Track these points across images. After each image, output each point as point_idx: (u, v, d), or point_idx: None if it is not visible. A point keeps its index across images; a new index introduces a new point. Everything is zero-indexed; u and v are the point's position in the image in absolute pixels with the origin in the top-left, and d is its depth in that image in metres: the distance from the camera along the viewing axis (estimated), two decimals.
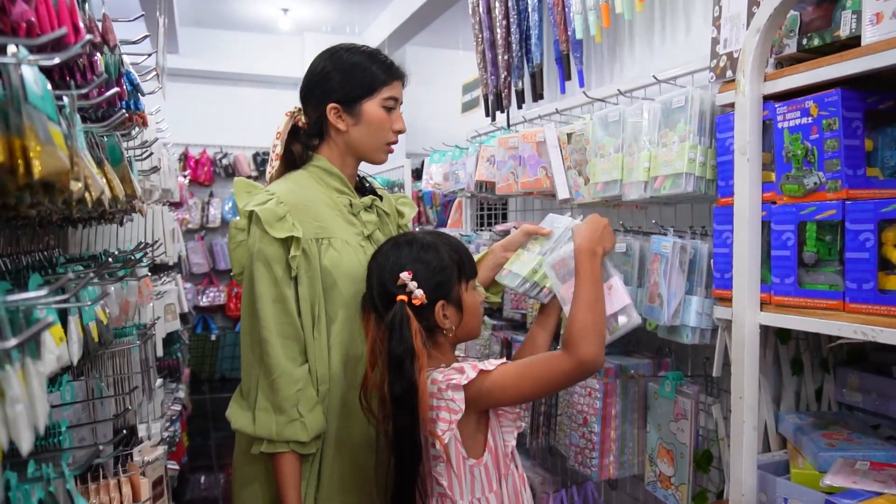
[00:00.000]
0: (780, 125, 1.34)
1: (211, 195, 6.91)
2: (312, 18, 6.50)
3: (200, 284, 6.77)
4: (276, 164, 1.68)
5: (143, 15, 1.33)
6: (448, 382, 1.31)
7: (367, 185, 1.76)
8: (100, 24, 1.16)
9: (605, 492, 2.14)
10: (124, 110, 1.18)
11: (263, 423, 1.46)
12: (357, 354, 1.55)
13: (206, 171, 6.83)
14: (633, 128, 1.69)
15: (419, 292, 1.35)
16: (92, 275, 0.87)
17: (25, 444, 0.59)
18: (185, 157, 6.75)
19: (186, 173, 6.41)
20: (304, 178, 1.62)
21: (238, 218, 1.55)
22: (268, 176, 1.72)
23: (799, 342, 1.62)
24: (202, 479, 4.46)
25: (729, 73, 1.47)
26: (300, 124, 1.67)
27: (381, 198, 1.72)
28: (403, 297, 1.35)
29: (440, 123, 5.49)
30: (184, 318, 3.48)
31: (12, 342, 0.57)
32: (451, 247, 1.43)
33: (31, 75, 0.61)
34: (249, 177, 6.84)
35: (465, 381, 1.30)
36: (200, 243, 6.72)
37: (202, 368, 6.64)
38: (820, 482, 1.28)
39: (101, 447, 0.81)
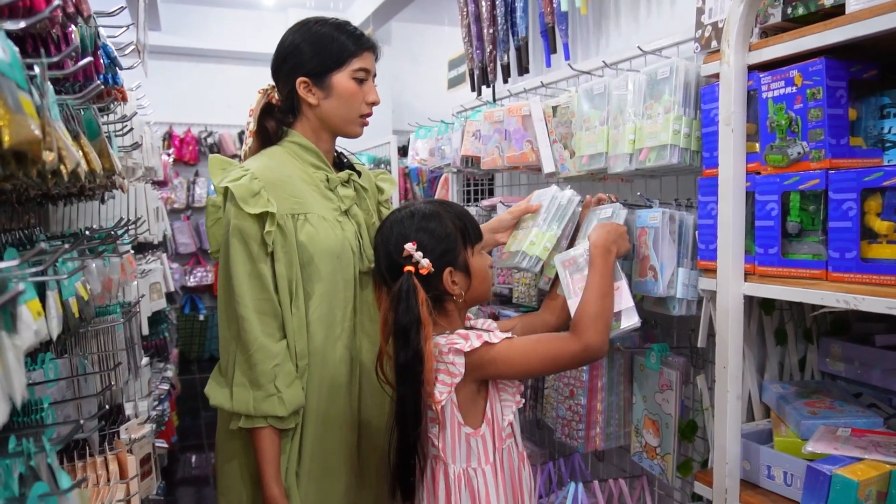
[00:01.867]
0: (764, 95, 1.34)
1: (196, 174, 6.85)
2: None
3: (187, 265, 6.74)
4: (251, 141, 1.67)
5: None
6: (451, 346, 1.34)
7: (345, 160, 1.75)
8: None
9: (591, 463, 2.16)
10: (101, 83, 1.16)
11: (241, 398, 1.47)
12: (336, 330, 1.56)
13: (192, 150, 6.77)
14: (618, 100, 1.68)
15: (425, 261, 1.36)
16: (67, 246, 0.86)
17: (1, 416, 0.58)
18: (169, 136, 6.68)
19: (170, 151, 6.34)
20: (279, 154, 1.61)
21: (215, 195, 1.55)
22: (242, 153, 1.72)
23: (783, 313, 1.63)
24: (192, 458, 4.47)
25: (714, 44, 1.47)
26: (274, 101, 1.66)
27: (359, 174, 1.71)
28: (410, 268, 1.36)
29: (427, 100, 5.45)
30: (170, 297, 3.47)
31: None
32: (454, 213, 1.44)
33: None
34: (234, 155, 6.79)
35: (468, 349, 1.33)
36: (187, 223, 6.68)
37: (191, 349, 6.63)
38: (802, 449, 1.30)
39: (82, 422, 0.80)
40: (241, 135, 6.95)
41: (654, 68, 1.57)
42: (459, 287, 1.41)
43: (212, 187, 5.74)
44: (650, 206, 1.60)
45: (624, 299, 1.46)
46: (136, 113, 1.63)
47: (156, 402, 2.68)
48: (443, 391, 1.33)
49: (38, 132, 0.62)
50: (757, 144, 1.37)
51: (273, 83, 1.67)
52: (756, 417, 1.59)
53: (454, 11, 2.81)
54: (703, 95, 1.49)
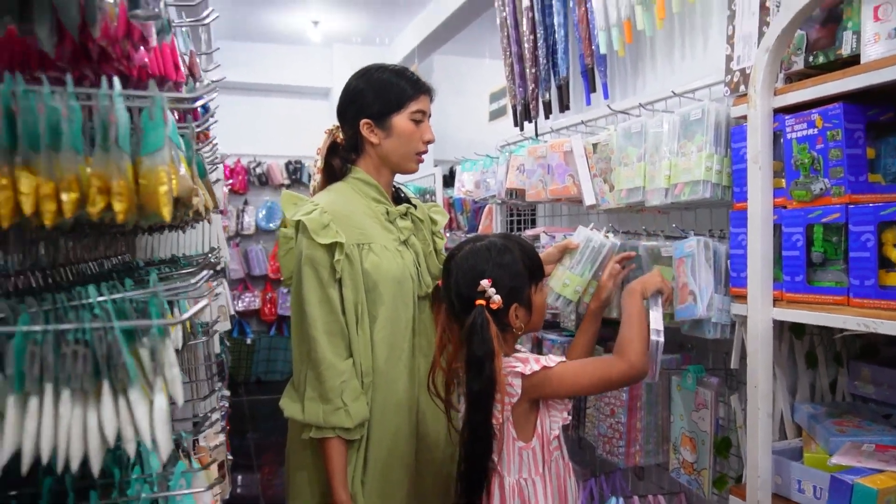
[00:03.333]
0: (788, 136, 1.46)
1: (245, 203, 7.12)
2: (342, 30, 6.68)
3: (236, 290, 6.98)
4: (318, 177, 1.83)
5: (217, 16, 1.51)
6: (510, 369, 1.45)
7: (402, 194, 1.90)
8: (186, 58, 1.32)
9: (631, 481, 2.26)
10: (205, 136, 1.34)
11: (311, 411, 1.60)
12: (398, 350, 1.69)
13: (241, 180, 7.05)
14: (654, 138, 1.81)
15: (497, 298, 1.46)
16: (204, 272, 1.03)
17: (180, 399, 0.74)
18: (221, 167, 6.96)
19: (228, 182, 6.62)
20: (344, 190, 1.75)
21: (285, 228, 1.70)
22: (311, 189, 1.89)
23: (812, 337, 1.73)
24: (240, 478, 4.61)
25: (742, 88, 1.60)
26: (338, 140, 1.81)
27: (415, 206, 1.85)
28: (482, 302, 1.46)
29: (468, 132, 5.63)
30: (231, 320, 3.67)
31: (184, 315, 0.72)
32: (524, 251, 1.55)
33: (169, 115, 0.76)
34: (282, 185, 7.05)
35: (528, 372, 1.45)
36: (236, 250, 6.94)
37: (238, 371, 6.84)
38: (828, 462, 1.39)
39: (200, 416, 0.95)
40: (287, 164, 7.21)
41: (688, 110, 1.70)
42: (520, 321, 1.52)
43: (259, 216, 5.96)
44: (685, 237, 1.72)
45: (655, 323, 1.59)
46: (220, 158, 1.81)
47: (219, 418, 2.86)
48: (501, 409, 1.44)
49: (192, 183, 0.78)
50: (783, 180, 1.49)
51: (337, 124, 1.84)
52: (788, 436, 1.68)
53: (495, 44, 2.97)
54: (732, 135, 1.61)
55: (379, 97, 1.74)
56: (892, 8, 1.27)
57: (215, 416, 1.74)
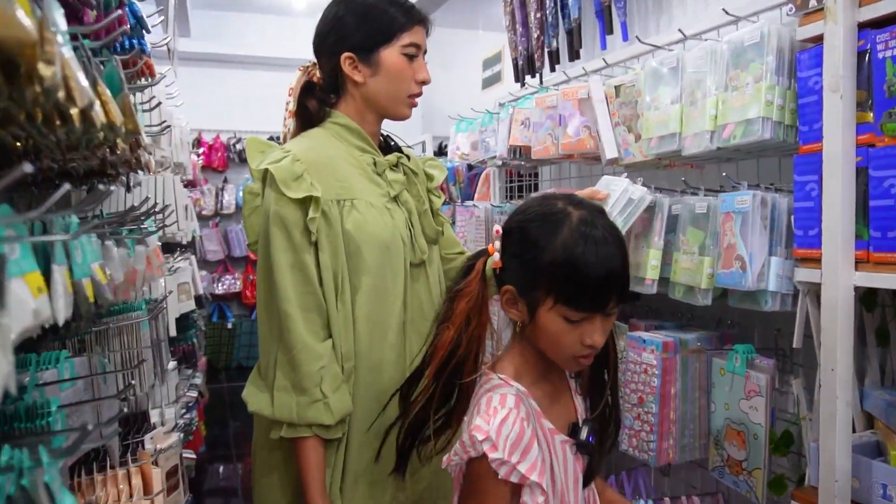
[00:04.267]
0: (880, 55, 1.16)
1: (225, 181, 6.76)
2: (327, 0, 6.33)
3: (216, 272, 6.64)
4: (290, 122, 1.53)
5: None
6: (469, 436, 1.07)
7: (392, 143, 1.61)
8: None
9: (655, 478, 1.97)
10: (121, 31, 1.02)
11: (283, 404, 1.32)
12: (384, 328, 1.41)
13: (220, 157, 6.69)
14: (694, 74, 1.51)
15: (496, 257, 1.17)
16: (80, 216, 0.72)
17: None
18: (198, 143, 6.61)
19: (200, 151, 6.27)
20: (322, 136, 1.48)
21: (252, 182, 1.41)
22: (282, 136, 1.58)
23: (885, 309, 1.44)
24: (220, 469, 4.33)
25: (812, 3, 1.29)
26: (315, 79, 1.53)
27: (407, 157, 1.56)
28: (491, 250, 1.19)
29: (459, 104, 5.30)
30: (198, 301, 3.34)
31: None
32: (578, 256, 1.12)
33: None
34: None
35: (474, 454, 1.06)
36: (215, 230, 6.59)
37: (219, 357, 6.52)
38: None
39: (90, 427, 0.64)
40: (270, 140, 6.84)
41: (740, 35, 1.40)
42: (517, 316, 1.14)
43: (240, 194, 5.66)
44: (735, 189, 1.42)
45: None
46: (163, 77, 1.48)
47: (183, 410, 2.55)
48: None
49: (32, 33, 0.47)
50: (869, 114, 1.19)
51: (314, 60, 1.53)
52: (858, 428, 1.40)
53: (489, 15, 2.65)
54: (798, 62, 1.31)
55: (364, 26, 1.45)
56: None
57: (169, 412, 1.42)
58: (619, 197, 1.50)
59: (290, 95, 1.55)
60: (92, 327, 1.37)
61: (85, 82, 0.60)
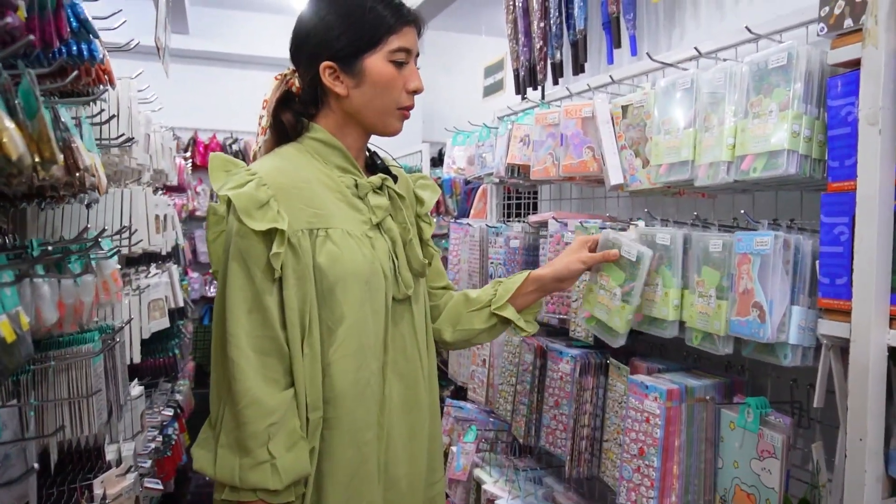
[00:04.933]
0: None
1: None
2: None
3: (208, 274, 6.51)
4: (262, 138, 1.40)
5: None
6: None
7: (379, 161, 1.46)
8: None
9: None
10: (66, 54, 0.88)
11: (225, 464, 1.19)
12: (364, 373, 1.27)
13: None
14: (710, 96, 1.37)
15: None
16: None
17: None
18: (194, 143, 6.48)
19: (187, 155, 6.13)
20: (296, 154, 1.34)
21: (217, 202, 1.28)
22: (252, 153, 1.44)
23: None
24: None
25: (848, 23, 1.15)
26: (293, 88, 1.38)
27: (394, 178, 1.41)
28: None
29: (460, 110, 5.16)
30: (179, 314, 3.19)
31: None
32: None
33: None
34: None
35: None
36: None
37: (209, 360, 6.38)
38: None
39: None
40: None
41: (764, 55, 1.25)
42: None
43: None
44: (754, 229, 1.28)
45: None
46: (107, 90, 1.34)
47: (155, 432, 2.41)
48: None
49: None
50: None
51: (293, 68, 1.39)
52: (882, 496, 1.26)
53: (491, 20, 2.52)
54: (829, 89, 1.17)
55: (347, 29, 1.30)
56: None
57: (127, 448, 1.28)
58: (643, 266, 1.39)
59: (264, 108, 1.41)
60: (30, 366, 1.23)
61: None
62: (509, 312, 1.49)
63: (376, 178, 1.36)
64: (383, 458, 1.32)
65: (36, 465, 1.08)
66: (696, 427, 1.47)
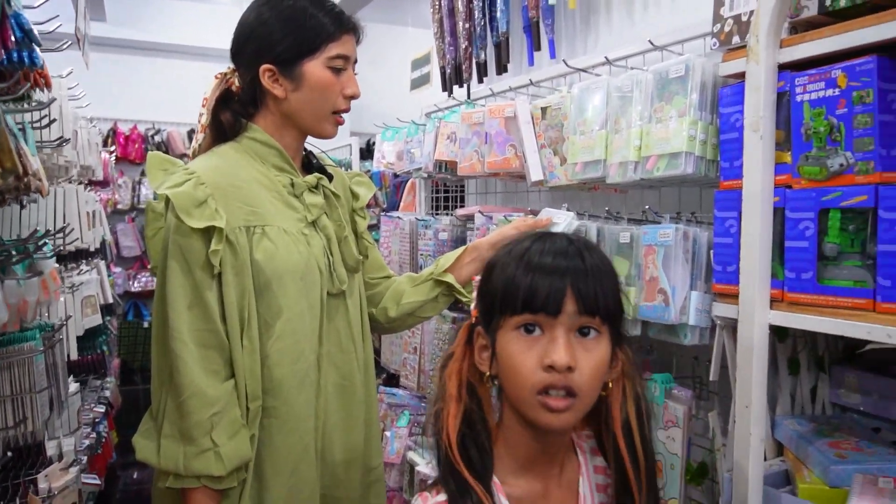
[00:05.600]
0: (798, 98, 1.17)
1: (142, 174, 6.46)
2: None
3: (132, 269, 6.37)
4: (202, 136, 1.44)
5: None
6: None
7: (314, 161, 1.53)
8: None
9: None
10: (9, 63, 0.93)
11: (169, 454, 1.24)
12: (301, 364, 1.34)
13: (138, 149, 6.40)
14: (620, 101, 1.50)
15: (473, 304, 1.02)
16: None
17: None
18: (114, 133, 6.31)
19: (112, 149, 5.97)
20: (234, 153, 1.39)
21: (155, 199, 1.32)
22: (191, 151, 1.49)
23: (796, 340, 1.48)
24: (135, 473, 4.21)
25: (735, 39, 1.30)
26: (233, 87, 1.43)
27: (329, 176, 1.48)
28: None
29: (389, 101, 5.21)
30: (108, 310, 3.17)
31: None
32: (519, 257, 1.01)
33: None
34: (184, 155, 6.45)
35: None
36: (131, 225, 6.31)
37: (134, 357, 6.24)
38: None
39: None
40: (190, 133, 6.60)
41: (666, 66, 1.40)
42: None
43: None
44: (658, 222, 1.42)
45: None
46: (55, 100, 1.38)
47: (88, 429, 2.41)
48: None
49: None
50: (788, 154, 1.21)
51: (233, 66, 1.44)
52: (768, 456, 1.43)
53: (418, 12, 2.61)
54: (721, 98, 1.32)
55: (288, 34, 1.35)
56: None
57: (68, 443, 1.32)
58: (565, 228, 1.49)
59: (203, 106, 1.46)
60: None
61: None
62: (449, 279, 1.54)
63: (312, 178, 1.43)
64: (320, 444, 1.39)
65: None
66: None
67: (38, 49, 1.26)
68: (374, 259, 1.61)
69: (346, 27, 1.39)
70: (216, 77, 1.45)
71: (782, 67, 1.21)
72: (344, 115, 1.44)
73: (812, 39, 1.15)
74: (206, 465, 1.22)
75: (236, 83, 1.42)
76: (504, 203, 2.44)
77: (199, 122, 1.46)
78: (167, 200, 1.27)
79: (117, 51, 6.31)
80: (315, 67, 1.36)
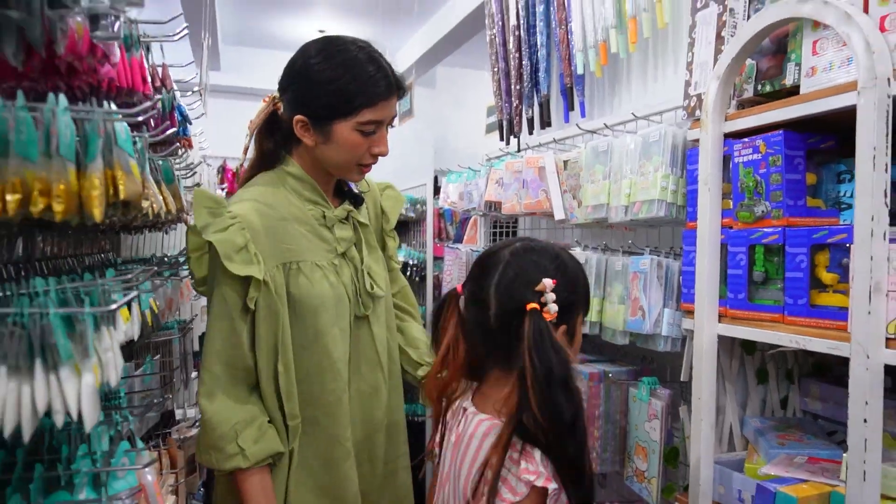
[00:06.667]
0: (736, 160, 1.53)
1: None
2: None
3: None
4: (245, 157, 1.56)
5: (186, 34, 1.46)
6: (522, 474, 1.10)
7: (346, 188, 1.61)
8: (160, 71, 1.41)
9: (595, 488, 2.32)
10: (177, 143, 1.42)
11: (204, 458, 1.42)
12: (340, 383, 1.48)
13: None
14: (619, 157, 1.89)
15: (553, 307, 1.14)
16: (155, 269, 1.10)
17: (113, 380, 0.82)
18: (223, 170, 7.04)
19: (224, 186, 6.69)
20: (272, 188, 1.48)
21: (194, 234, 1.41)
22: (239, 163, 1.64)
23: (764, 354, 1.80)
24: None
25: (698, 113, 1.67)
26: (280, 112, 1.49)
27: (360, 200, 1.60)
28: (535, 306, 1.12)
29: (467, 141, 5.69)
30: None
31: (115, 305, 0.80)
32: (582, 269, 1.28)
33: (120, 126, 0.84)
34: None
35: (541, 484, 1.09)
36: None
37: None
38: (759, 471, 1.46)
39: (155, 400, 1.03)
40: None
41: (647, 132, 1.78)
42: None
43: None
44: (641, 254, 1.79)
45: None
46: (202, 161, 1.88)
47: None
48: None
49: (140, 187, 0.86)
50: (731, 202, 1.56)
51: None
52: (737, 448, 1.75)
53: None
54: (688, 157, 1.69)
55: (325, 94, 1.40)
56: (829, 43, 1.35)
57: (191, 412, 1.81)
58: None
59: (249, 128, 1.53)
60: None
61: (158, 195, 0.99)
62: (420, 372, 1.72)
63: (341, 211, 1.53)
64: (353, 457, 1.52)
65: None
66: (612, 401, 1.97)
67: (189, 126, 1.79)
68: (393, 279, 1.75)
69: (387, 94, 1.41)
70: (264, 100, 1.51)
71: (728, 136, 1.57)
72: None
73: (745, 116, 1.52)
74: (237, 464, 1.37)
75: (282, 109, 1.48)
76: (549, 237, 2.83)
77: (246, 142, 1.56)
78: (209, 246, 1.39)
79: (227, 96, 7.06)
80: (345, 129, 1.40)
